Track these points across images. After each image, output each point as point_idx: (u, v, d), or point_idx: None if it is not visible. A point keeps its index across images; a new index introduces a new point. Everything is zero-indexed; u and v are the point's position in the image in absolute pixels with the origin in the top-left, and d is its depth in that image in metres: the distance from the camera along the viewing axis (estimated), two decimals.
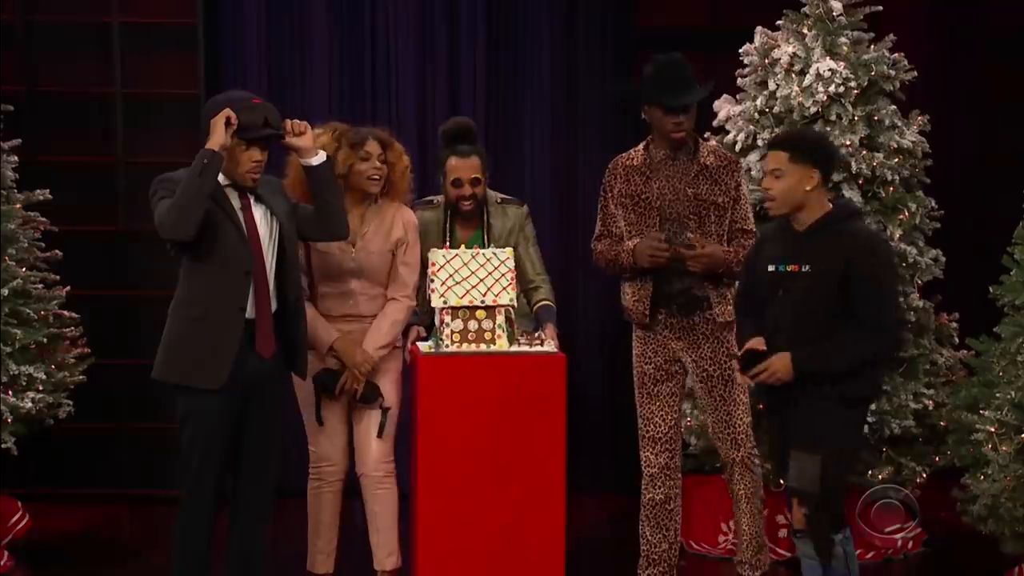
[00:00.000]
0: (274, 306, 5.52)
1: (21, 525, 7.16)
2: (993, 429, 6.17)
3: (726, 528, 6.94)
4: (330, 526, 6.16)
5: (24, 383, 6.88)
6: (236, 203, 5.47)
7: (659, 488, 6.27)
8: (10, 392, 6.84)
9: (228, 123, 5.33)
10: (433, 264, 6.00)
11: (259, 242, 5.47)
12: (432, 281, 5.98)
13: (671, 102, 5.98)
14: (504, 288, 6.00)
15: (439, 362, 5.94)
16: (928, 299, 7.09)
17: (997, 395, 6.23)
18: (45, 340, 7.04)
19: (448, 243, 6.46)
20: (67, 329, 7.26)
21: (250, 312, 5.45)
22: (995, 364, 6.33)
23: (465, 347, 5.96)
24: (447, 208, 6.46)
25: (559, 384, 5.96)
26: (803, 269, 5.25)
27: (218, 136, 5.32)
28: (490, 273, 6.02)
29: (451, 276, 5.98)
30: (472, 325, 5.98)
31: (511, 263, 6.05)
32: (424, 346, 6.10)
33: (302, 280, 5.91)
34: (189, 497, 5.52)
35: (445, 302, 5.96)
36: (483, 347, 5.98)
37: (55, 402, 7.04)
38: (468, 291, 5.97)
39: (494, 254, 6.07)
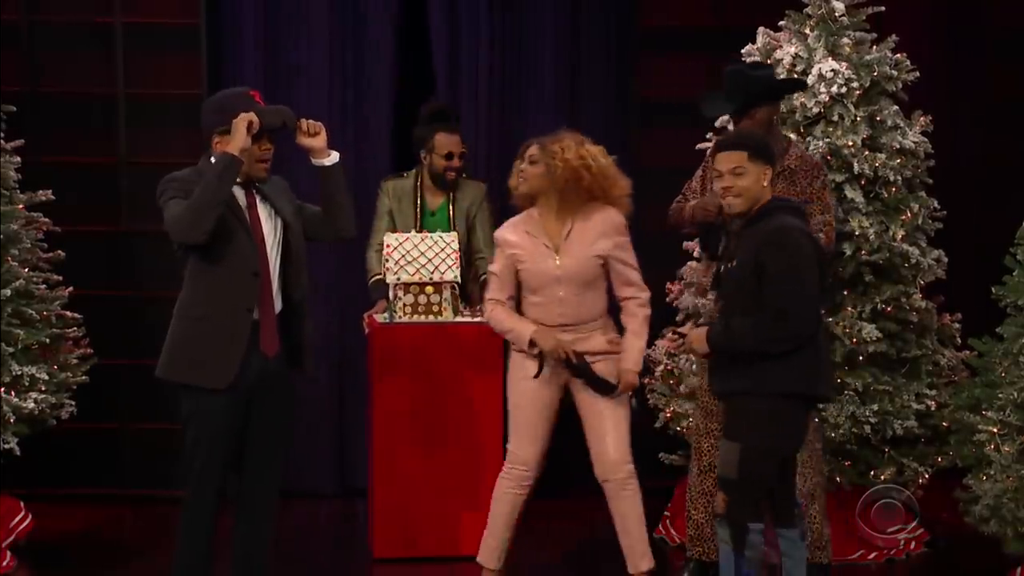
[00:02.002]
0: (278, 306, 5.52)
1: (24, 526, 7.15)
2: (995, 430, 6.17)
3: None
4: (507, 526, 6.20)
5: (27, 383, 6.89)
6: (242, 202, 5.48)
7: (704, 457, 6.39)
8: (13, 392, 6.85)
9: (249, 128, 5.33)
10: (388, 246, 6.90)
11: (263, 242, 5.47)
12: (387, 261, 6.88)
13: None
14: (449, 267, 6.90)
15: (393, 330, 6.89)
16: (930, 300, 7.09)
17: (999, 396, 6.23)
18: (47, 340, 7.04)
19: (419, 209, 7.32)
20: (69, 329, 7.27)
21: (255, 313, 5.46)
22: (997, 365, 6.33)
23: (415, 318, 6.91)
24: (419, 178, 7.34)
25: (496, 348, 6.76)
26: (734, 264, 5.45)
27: (239, 140, 5.32)
28: (437, 254, 6.90)
29: (403, 256, 6.88)
30: (422, 299, 6.90)
31: (456, 244, 6.94)
32: (380, 318, 6.97)
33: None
34: (192, 497, 5.52)
35: (398, 279, 6.88)
36: (431, 318, 6.91)
37: (58, 402, 7.05)
38: (418, 269, 6.87)
39: (441, 237, 6.95)
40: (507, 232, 6.11)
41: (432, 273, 6.87)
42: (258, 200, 5.51)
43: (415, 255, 6.89)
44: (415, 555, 6.89)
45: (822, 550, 6.53)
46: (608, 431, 6.10)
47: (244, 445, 5.55)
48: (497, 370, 6.75)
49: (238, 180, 5.44)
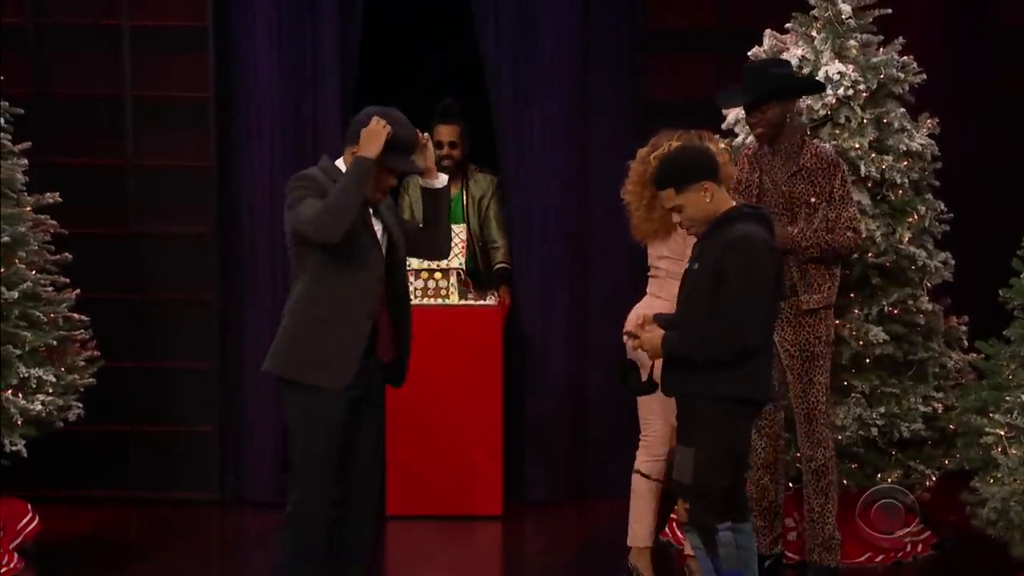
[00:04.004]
0: None
1: (31, 527, 7.15)
2: (1002, 432, 6.16)
3: None
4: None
5: (34, 385, 6.89)
6: None
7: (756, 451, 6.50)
8: (20, 394, 6.85)
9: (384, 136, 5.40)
10: None
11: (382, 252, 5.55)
12: None
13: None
14: (456, 255, 7.61)
15: None
16: (937, 302, 7.07)
17: (1007, 398, 6.22)
18: (55, 343, 7.04)
19: None
20: (76, 332, 7.27)
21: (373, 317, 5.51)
22: (1004, 367, 6.32)
23: (425, 301, 7.70)
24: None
25: (497, 329, 7.80)
26: (695, 267, 5.46)
27: (376, 146, 5.39)
28: None
29: None
30: (431, 284, 7.74)
31: (463, 235, 7.73)
32: None
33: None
34: (305, 503, 5.46)
35: (409, 265, 7.27)
36: (439, 301, 7.72)
37: (65, 404, 7.05)
38: None
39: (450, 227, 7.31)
40: None
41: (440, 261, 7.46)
42: (371, 214, 5.56)
43: None
44: (424, 513, 7.73)
45: (830, 552, 6.54)
46: None
47: (351, 451, 5.53)
48: (496, 347, 7.79)
49: None
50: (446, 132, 7.97)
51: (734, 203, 5.50)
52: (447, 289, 7.74)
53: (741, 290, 5.30)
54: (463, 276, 7.80)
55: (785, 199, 6.41)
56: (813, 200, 6.43)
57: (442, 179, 5.68)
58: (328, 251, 5.43)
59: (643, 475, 6.42)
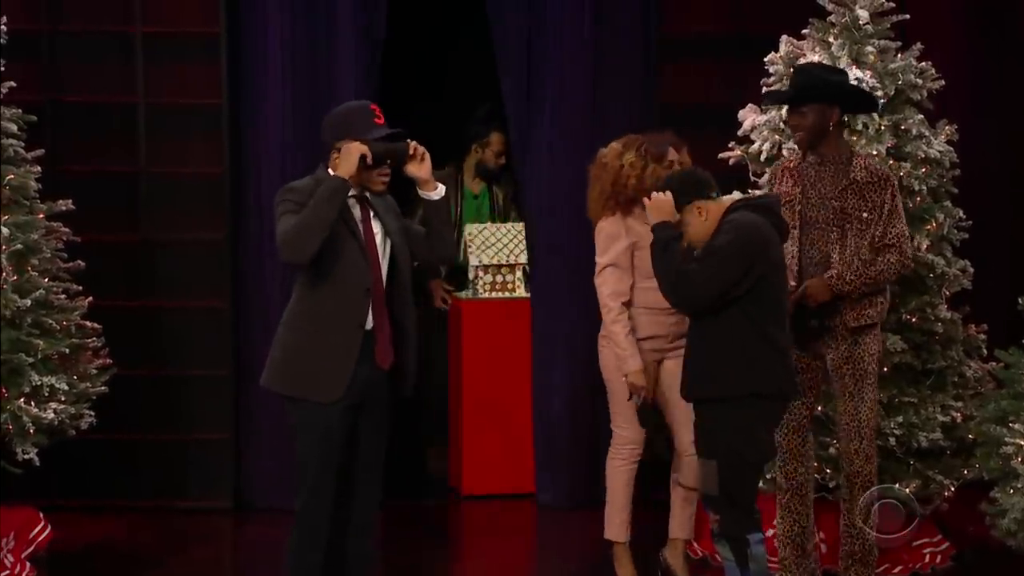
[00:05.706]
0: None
1: (43, 536, 7.14)
2: (1022, 442, 6.12)
3: None
4: (628, 499, 6.66)
5: (46, 394, 6.88)
6: (357, 215, 5.55)
7: (788, 474, 6.39)
8: (32, 403, 6.84)
9: (362, 159, 5.42)
10: (469, 234, 8.33)
11: (377, 258, 5.54)
12: (469, 247, 8.31)
13: (765, 101, 6.67)
14: (521, 251, 8.32)
15: (478, 305, 8.39)
16: (956, 310, 7.04)
17: None
18: (67, 351, 7.04)
19: (460, 193, 8.66)
20: (89, 340, 7.26)
21: (369, 324, 5.51)
22: None
23: (495, 294, 8.41)
24: (459, 167, 8.61)
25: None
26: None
27: (349, 167, 5.42)
28: (511, 240, 8.37)
29: (484, 242, 8.32)
30: (499, 278, 8.40)
31: (523, 233, 8.31)
32: (462, 295, 8.47)
33: None
34: (306, 508, 5.52)
35: (480, 261, 8.32)
36: (507, 294, 8.41)
37: (77, 413, 7.04)
38: (496, 254, 8.35)
39: (512, 226, 8.40)
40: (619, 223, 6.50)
41: (507, 257, 8.31)
42: (372, 216, 5.58)
43: (492, 242, 8.30)
44: (494, 492, 8.28)
45: (867, 567, 6.45)
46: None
47: (352, 455, 5.57)
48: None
49: (353, 192, 5.51)
50: (501, 140, 8.46)
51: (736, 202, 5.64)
52: (513, 283, 8.35)
53: (708, 257, 5.47)
54: (527, 271, 8.32)
55: (836, 213, 6.27)
56: (866, 215, 6.28)
57: (440, 190, 5.68)
58: (313, 264, 5.44)
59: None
